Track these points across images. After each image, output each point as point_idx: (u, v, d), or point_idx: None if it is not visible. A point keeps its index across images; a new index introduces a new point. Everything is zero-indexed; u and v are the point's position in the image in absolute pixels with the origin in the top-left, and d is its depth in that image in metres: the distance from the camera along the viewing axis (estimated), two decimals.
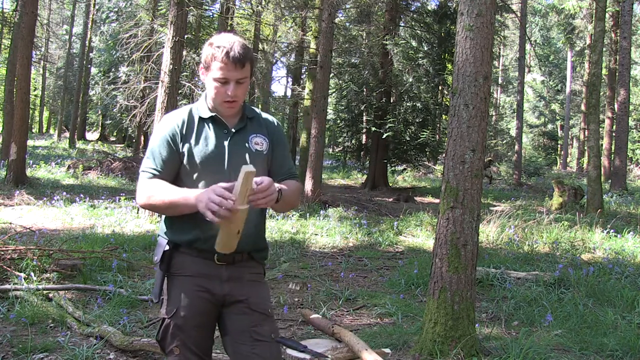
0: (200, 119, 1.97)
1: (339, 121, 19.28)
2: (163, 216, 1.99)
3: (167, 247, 1.94)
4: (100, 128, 36.51)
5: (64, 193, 10.70)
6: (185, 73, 13.24)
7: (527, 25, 26.51)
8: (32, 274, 4.66)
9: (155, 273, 2.02)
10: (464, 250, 3.36)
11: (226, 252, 1.82)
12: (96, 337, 3.55)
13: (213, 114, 1.96)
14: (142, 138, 22.78)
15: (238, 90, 1.89)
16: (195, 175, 1.91)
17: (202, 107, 1.99)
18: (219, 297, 1.93)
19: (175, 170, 1.93)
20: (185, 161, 1.91)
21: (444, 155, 4.14)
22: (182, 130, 1.93)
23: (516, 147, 20.80)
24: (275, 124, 2.10)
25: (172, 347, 1.93)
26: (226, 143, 1.94)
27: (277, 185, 1.87)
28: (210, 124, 1.96)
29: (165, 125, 1.95)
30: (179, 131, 1.93)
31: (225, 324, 1.95)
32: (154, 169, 1.91)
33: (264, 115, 2.10)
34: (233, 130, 1.97)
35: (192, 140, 1.92)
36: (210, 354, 2.03)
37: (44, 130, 44.61)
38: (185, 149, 1.91)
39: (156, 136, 1.95)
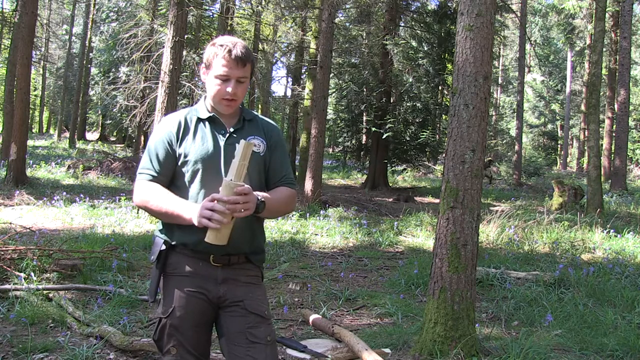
0: (198, 119, 1.99)
1: (339, 121, 19.28)
2: None
3: (163, 247, 1.95)
4: (100, 128, 36.53)
5: (64, 193, 10.70)
6: (185, 73, 13.23)
7: (527, 25, 26.51)
8: (32, 274, 4.66)
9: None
10: (464, 250, 3.36)
11: (217, 244, 1.78)
12: (96, 337, 3.55)
13: (211, 114, 1.98)
14: (142, 138, 22.78)
15: (238, 88, 1.92)
16: (190, 175, 1.92)
17: (201, 108, 2.02)
18: (214, 298, 1.93)
19: (171, 171, 1.95)
20: (180, 161, 1.93)
21: (444, 155, 4.14)
22: (179, 132, 1.95)
23: (516, 147, 20.80)
24: (275, 127, 2.11)
25: (169, 347, 1.93)
26: (222, 143, 1.95)
27: (261, 194, 1.87)
28: (207, 124, 1.98)
29: (162, 128, 1.98)
30: (175, 133, 1.95)
31: (222, 325, 1.95)
32: (152, 171, 1.93)
33: (263, 118, 2.11)
34: (230, 130, 1.98)
35: (189, 141, 1.94)
36: (208, 355, 2.03)
37: (44, 130, 44.62)
38: (181, 150, 1.93)
39: (154, 138, 1.98)
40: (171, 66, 8.92)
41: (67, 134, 31.42)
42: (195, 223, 1.77)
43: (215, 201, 1.75)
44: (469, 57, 3.37)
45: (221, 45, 1.89)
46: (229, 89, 1.90)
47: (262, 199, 1.86)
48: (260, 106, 25.35)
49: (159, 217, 1.92)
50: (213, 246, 1.81)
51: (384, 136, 15.30)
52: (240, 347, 1.88)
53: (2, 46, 23.65)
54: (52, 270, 4.88)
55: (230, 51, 1.87)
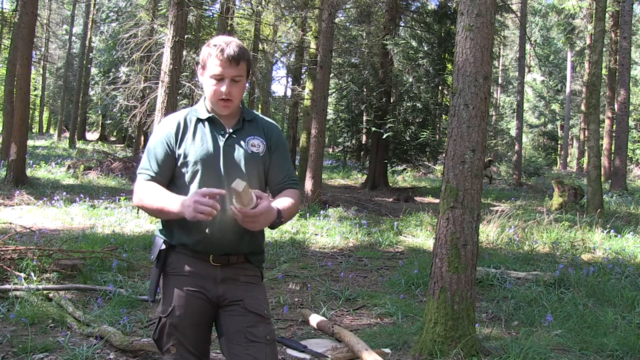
0: (198, 119, 1.99)
1: (339, 121, 19.27)
2: None
3: (163, 247, 1.95)
4: (100, 128, 36.54)
5: (64, 193, 10.70)
6: (185, 73, 13.24)
7: (527, 25, 26.50)
8: (32, 274, 4.66)
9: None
10: (464, 250, 3.36)
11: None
12: (96, 337, 3.55)
13: (210, 115, 1.98)
14: (142, 138, 22.78)
15: (233, 88, 1.91)
16: (189, 175, 1.92)
17: (200, 109, 2.01)
18: (213, 297, 1.94)
19: (170, 171, 1.95)
20: (180, 162, 1.93)
21: (444, 155, 4.14)
22: (178, 133, 1.95)
23: (516, 147, 20.80)
24: (275, 128, 2.09)
25: (169, 346, 1.93)
26: (221, 143, 1.95)
27: (280, 206, 1.89)
28: (207, 125, 1.98)
29: (161, 129, 1.98)
30: (174, 134, 1.95)
31: (221, 325, 1.96)
32: (150, 171, 1.94)
33: (264, 118, 2.10)
34: (230, 130, 1.97)
35: (188, 141, 1.94)
36: (208, 354, 2.03)
37: (44, 130, 44.62)
38: (180, 151, 1.93)
39: (153, 138, 1.99)
40: (171, 66, 8.92)
41: (67, 134, 31.43)
42: (188, 217, 1.72)
43: (207, 197, 1.71)
44: (469, 57, 3.37)
45: (214, 45, 1.89)
46: (224, 89, 1.89)
47: (282, 218, 1.87)
48: (260, 106, 25.36)
49: (154, 215, 1.92)
50: (212, 247, 1.81)
51: (384, 136, 15.30)
52: (239, 346, 1.88)
53: (2, 46, 23.66)
54: (52, 270, 4.88)
55: (223, 50, 1.87)
